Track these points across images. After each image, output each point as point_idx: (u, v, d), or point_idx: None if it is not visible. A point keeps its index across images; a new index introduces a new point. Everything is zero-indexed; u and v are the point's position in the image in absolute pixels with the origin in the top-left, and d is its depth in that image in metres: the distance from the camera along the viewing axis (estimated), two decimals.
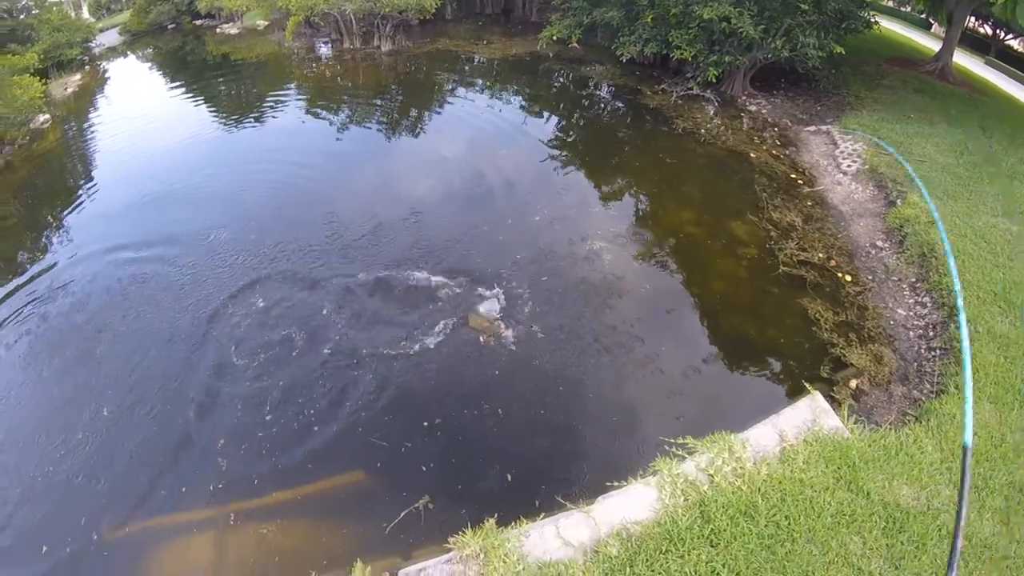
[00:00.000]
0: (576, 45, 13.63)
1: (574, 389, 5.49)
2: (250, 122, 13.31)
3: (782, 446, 4.26)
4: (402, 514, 4.35)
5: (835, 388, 5.54)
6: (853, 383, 5.64)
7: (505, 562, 3.25)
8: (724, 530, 3.64)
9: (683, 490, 3.84)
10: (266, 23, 26.16)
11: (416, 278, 6.98)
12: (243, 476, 5.07)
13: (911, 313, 6.52)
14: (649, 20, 12.18)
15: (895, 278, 7.02)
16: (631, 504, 3.70)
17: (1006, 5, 11.31)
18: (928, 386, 5.61)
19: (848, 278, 6.96)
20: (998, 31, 21.93)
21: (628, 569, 3.35)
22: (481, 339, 6.08)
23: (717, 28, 11.18)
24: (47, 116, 22.51)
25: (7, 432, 5.75)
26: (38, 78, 21.39)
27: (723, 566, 3.41)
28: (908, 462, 4.14)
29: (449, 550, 3.62)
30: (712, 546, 3.54)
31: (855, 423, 4.59)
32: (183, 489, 5.00)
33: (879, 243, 7.64)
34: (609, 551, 3.38)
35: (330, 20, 18.52)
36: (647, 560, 3.41)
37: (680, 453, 4.17)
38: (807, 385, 5.11)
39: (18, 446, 5.56)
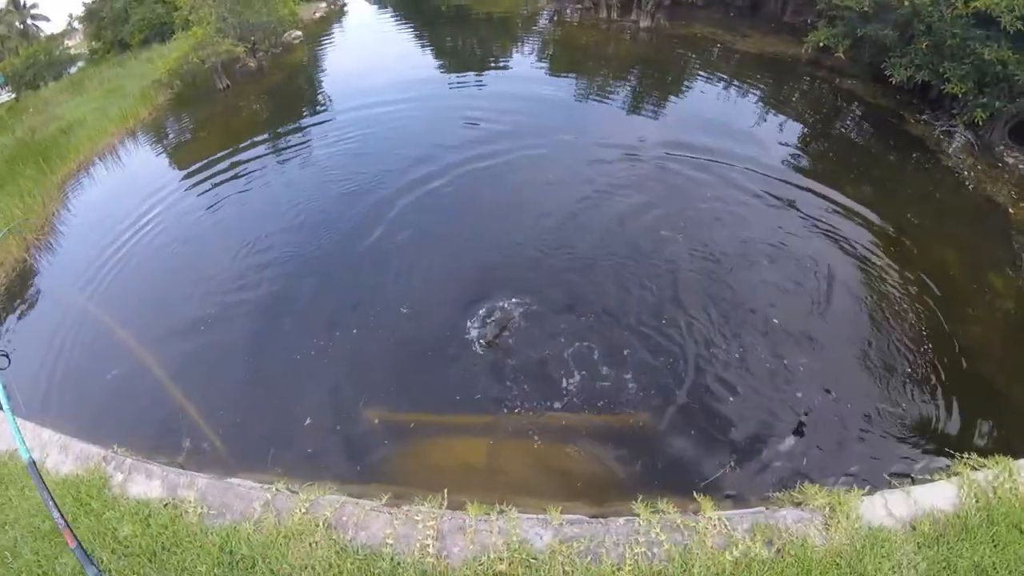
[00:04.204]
0: (841, 55, 13.71)
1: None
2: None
3: None
4: (718, 472, 5.58)
5: None
6: None
7: (847, 519, 4.53)
8: (1002, 535, 4.68)
9: (975, 494, 4.91)
10: None
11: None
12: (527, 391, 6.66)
13: None
14: (923, 47, 12.13)
15: None
16: (938, 495, 4.85)
17: None
18: None
19: None
20: None
21: (935, 546, 4.51)
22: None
23: (992, 70, 11.00)
24: (299, 33, 25.96)
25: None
26: None
27: (1000, 563, 4.44)
28: None
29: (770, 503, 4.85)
30: (994, 545, 4.60)
31: None
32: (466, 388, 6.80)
33: None
34: (923, 528, 4.57)
35: None
36: (948, 542, 4.55)
37: (971, 464, 5.20)
38: None
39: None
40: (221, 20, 20.18)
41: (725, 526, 4.29)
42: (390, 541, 4.33)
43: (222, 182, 13.30)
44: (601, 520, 4.44)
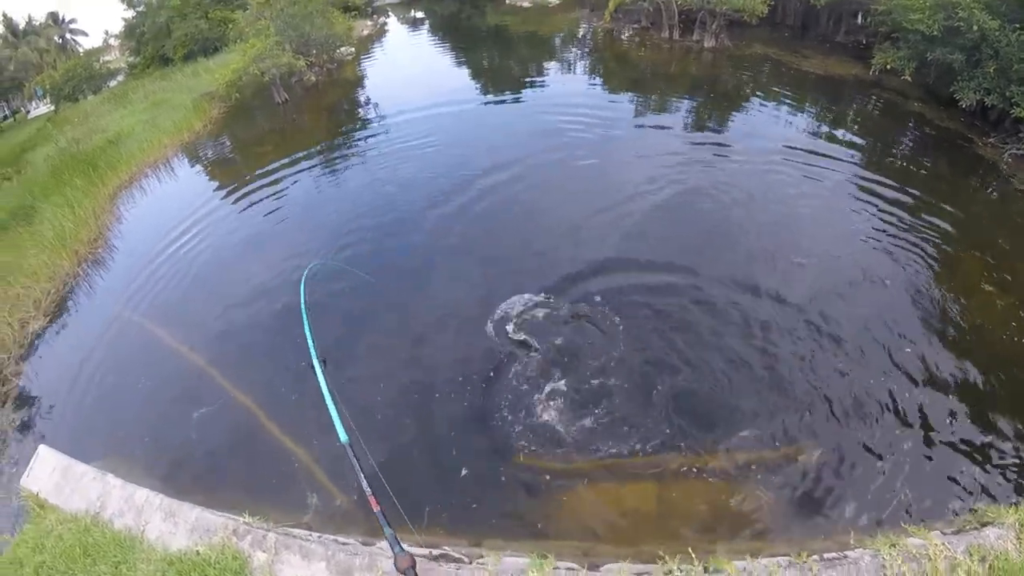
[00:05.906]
0: (908, 78, 14.19)
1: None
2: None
3: None
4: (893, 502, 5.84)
5: None
6: None
7: None
8: None
9: None
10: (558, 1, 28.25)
11: None
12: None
13: None
14: (992, 71, 12.63)
15: None
16: None
17: None
18: None
19: None
20: None
21: None
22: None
23: None
24: (352, 49, 26.65)
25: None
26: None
27: None
28: None
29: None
30: None
31: None
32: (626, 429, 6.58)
33: None
34: None
35: (642, 8, 20.12)
36: None
37: None
38: None
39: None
40: (280, 32, 20.77)
41: (949, 549, 4.64)
42: None
43: (294, 190, 13.58)
44: (848, 555, 4.63)
